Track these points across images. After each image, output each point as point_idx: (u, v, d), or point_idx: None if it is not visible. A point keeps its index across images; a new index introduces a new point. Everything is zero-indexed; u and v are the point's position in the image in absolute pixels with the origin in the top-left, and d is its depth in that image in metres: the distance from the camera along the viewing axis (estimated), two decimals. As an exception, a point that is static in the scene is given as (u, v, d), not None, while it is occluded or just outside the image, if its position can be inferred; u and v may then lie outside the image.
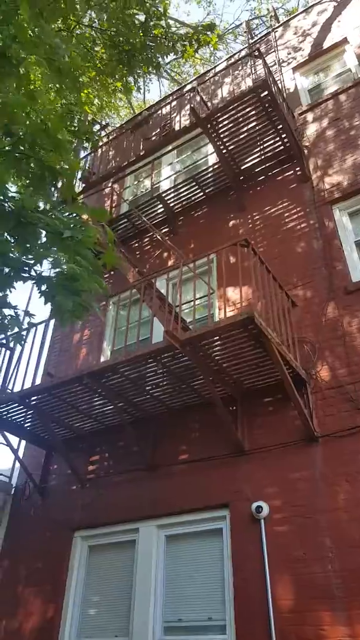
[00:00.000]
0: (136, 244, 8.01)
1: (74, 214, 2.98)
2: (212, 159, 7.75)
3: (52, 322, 8.14)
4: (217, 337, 4.40)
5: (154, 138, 9.06)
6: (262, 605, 3.95)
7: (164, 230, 7.74)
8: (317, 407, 4.65)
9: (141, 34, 6.98)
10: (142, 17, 6.83)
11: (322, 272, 5.57)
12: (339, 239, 5.73)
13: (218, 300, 6.25)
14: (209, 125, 6.64)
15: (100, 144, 9.42)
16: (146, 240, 7.94)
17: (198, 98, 8.23)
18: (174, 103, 9.50)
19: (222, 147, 6.90)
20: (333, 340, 4.99)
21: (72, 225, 2.68)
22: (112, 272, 7.79)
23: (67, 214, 2.99)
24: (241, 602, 4.08)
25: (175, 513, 4.87)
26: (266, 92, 6.31)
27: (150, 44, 7.08)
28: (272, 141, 6.88)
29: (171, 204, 7.62)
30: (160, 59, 6.96)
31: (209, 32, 7.81)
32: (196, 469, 5.01)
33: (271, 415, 4.87)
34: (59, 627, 4.95)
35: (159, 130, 9.28)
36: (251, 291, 5.46)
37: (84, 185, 8.39)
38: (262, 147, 6.96)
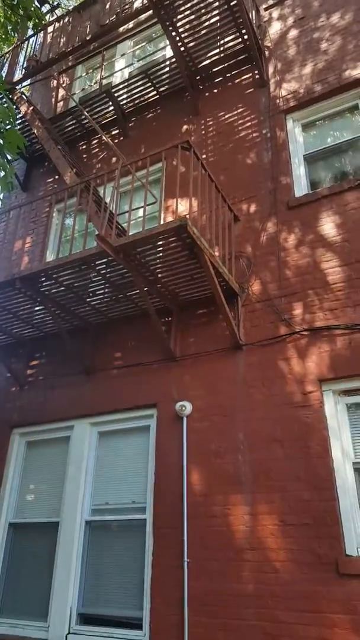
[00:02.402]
0: (84, 146, 7.94)
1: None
2: (169, 52, 7.55)
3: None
4: (151, 246, 4.70)
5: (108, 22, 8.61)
6: (177, 490, 4.67)
7: (114, 132, 7.69)
8: (245, 319, 5.15)
9: None
10: None
11: (267, 186, 5.83)
12: (289, 152, 5.94)
13: (164, 211, 6.47)
14: (162, 12, 6.42)
15: (50, 28, 8.88)
16: (95, 142, 7.87)
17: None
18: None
19: (178, 40, 6.73)
20: (269, 256, 5.38)
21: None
22: (56, 177, 7.79)
23: None
24: (160, 487, 4.80)
25: (108, 412, 5.48)
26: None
27: None
28: (232, 36, 6.76)
29: (122, 102, 7.50)
30: None
31: None
32: (130, 373, 5.55)
33: (203, 326, 5.35)
34: (-3, 510, 5.70)
35: (115, 17, 8.79)
36: (196, 203, 5.72)
37: (24, 72, 8.03)
38: (221, 44, 6.84)
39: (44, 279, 5.25)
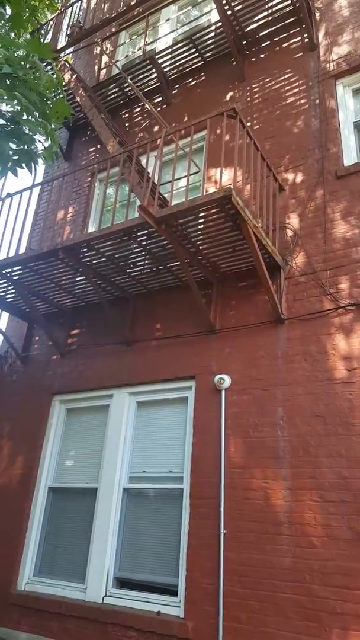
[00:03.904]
0: (126, 115, 7.77)
1: (29, 54, 2.95)
2: (214, 17, 7.22)
3: (37, 194, 8.21)
4: (194, 217, 4.55)
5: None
6: (215, 461, 4.62)
7: (156, 100, 7.47)
8: (288, 292, 4.96)
9: None
10: None
11: (315, 155, 5.55)
12: (338, 119, 5.61)
13: (207, 181, 6.28)
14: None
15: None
16: (137, 110, 7.69)
17: None
18: None
19: (225, 3, 6.41)
20: (314, 227, 5.14)
21: (21, 64, 2.66)
22: (98, 146, 7.67)
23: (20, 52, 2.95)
24: (197, 458, 4.76)
25: (147, 382, 5.44)
26: None
27: None
28: (281, -1, 6.39)
29: (165, 69, 7.26)
30: None
31: None
32: (169, 345, 5.49)
33: (244, 299, 5.20)
34: (37, 473, 5.82)
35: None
36: (240, 172, 5.51)
37: (68, 39, 7.84)
38: (269, 6, 6.48)
39: (85, 249, 5.20)
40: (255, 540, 4.20)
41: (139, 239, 5.00)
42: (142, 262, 5.42)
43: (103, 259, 5.34)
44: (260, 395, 4.65)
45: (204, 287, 5.41)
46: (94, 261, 5.39)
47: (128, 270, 5.55)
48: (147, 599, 4.61)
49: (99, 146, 7.63)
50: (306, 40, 6.30)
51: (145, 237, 4.99)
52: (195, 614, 4.25)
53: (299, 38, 6.41)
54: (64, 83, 7.47)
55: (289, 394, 4.52)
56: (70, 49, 7.93)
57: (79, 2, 8.16)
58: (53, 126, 3.95)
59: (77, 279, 5.82)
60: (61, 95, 3.69)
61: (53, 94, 4.30)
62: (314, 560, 3.91)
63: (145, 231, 4.86)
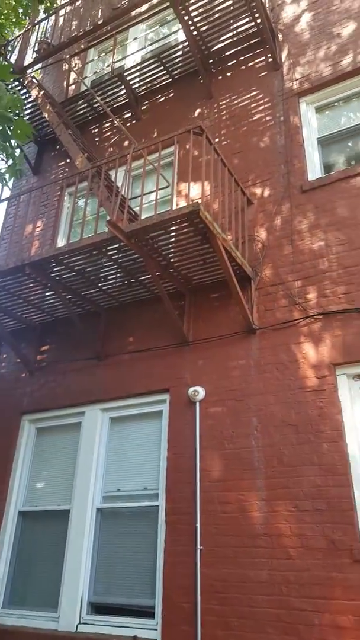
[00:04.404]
0: (96, 129, 7.85)
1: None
2: (182, 36, 7.41)
3: (4, 208, 8.14)
4: (164, 231, 4.60)
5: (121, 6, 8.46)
6: (191, 475, 4.60)
7: (126, 116, 7.58)
8: (258, 303, 5.05)
9: None
10: None
11: (281, 170, 5.71)
12: (302, 135, 5.81)
13: (178, 195, 6.36)
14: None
15: (62, 11, 8.75)
16: (107, 125, 7.77)
17: None
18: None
19: (191, 24, 6.60)
20: (282, 239, 5.27)
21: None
22: (68, 161, 7.70)
23: None
24: (173, 474, 4.72)
25: (120, 397, 5.40)
26: None
27: None
28: (245, 20, 6.62)
29: (134, 86, 7.39)
30: None
31: None
32: (142, 358, 5.47)
33: (216, 310, 5.26)
34: (6, 496, 5.63)
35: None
36: (209, 187, 5.62)
37: (36, 55, 7.89)
38: (234, 27, 6.70)
39: (54, 264, 5.17)
40: (232, 555, 4.17)
41: (109, 253, 5.01)
42: (114, 276, 5.42)
43: (73, 274, 5.32)
44: (234, 406, 4.68)
45: (176, 299, 5.45)
46: (64, 276, 5.36)
47: (99, 284, 5.54)
48: (123, 623, 4.48)
49: (68, 160, 7.65)
50: (270, 60, 6.53)
51: (115, 251, 5.00)
52: (173, 636, 4.16)
53: (263, 58, 6.64)
54: (31, 99, 7.50)
55: (262, 404, 4.56)
56: (38, 65, 7.98)
57: (47, 19, 8.24)
58: (14, 146, 3.96)
59: (47, 294, 5.77)
60: (20, 115, 3.74)
61: (15, 114, 4.31)
62: (290, 572, 3.91)
63: (116, 245, 4.87)
